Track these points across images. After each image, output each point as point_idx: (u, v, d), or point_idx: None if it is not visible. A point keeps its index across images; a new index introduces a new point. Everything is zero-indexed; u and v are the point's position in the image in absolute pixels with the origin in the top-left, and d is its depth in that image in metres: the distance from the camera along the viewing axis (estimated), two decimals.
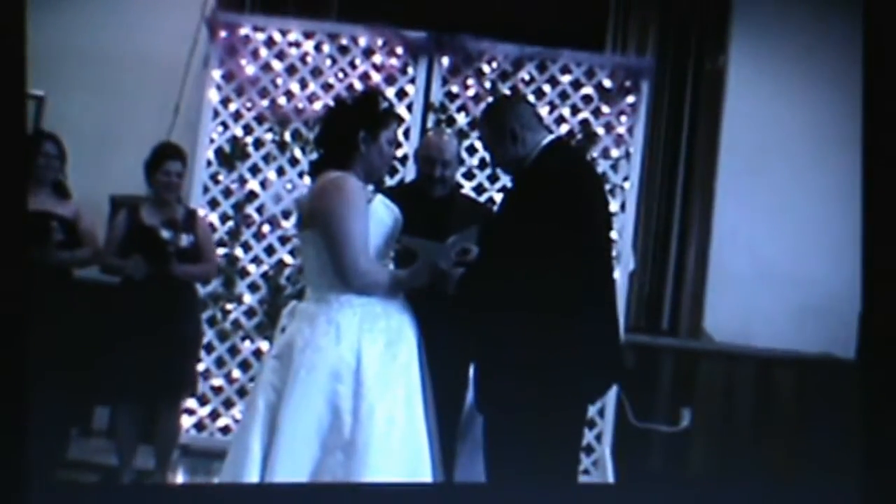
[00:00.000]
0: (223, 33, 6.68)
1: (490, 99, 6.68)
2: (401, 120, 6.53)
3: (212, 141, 6.67)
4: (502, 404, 3.71)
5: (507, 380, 3.63)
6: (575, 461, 3.98)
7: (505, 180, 6.68)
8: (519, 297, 3.59)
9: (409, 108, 6.74)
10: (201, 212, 6.04)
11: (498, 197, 6.69)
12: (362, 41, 6.76)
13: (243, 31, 6.71)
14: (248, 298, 6.64)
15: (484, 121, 3.99)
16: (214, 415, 6.54)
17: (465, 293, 3.75)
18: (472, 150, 6.74)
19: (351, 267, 3.50)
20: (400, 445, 3.47)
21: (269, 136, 6.71)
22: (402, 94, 6.76)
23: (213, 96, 6.68)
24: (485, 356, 3.81)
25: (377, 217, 3.62)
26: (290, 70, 6.75)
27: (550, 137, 3.88)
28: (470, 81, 6.80)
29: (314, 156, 3.85)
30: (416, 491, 3.46)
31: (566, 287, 3.61)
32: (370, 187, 3.86)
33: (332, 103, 6.34)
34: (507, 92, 6.73)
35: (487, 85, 6.79)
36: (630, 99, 6.78)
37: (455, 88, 6.80)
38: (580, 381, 3.69)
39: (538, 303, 3.58)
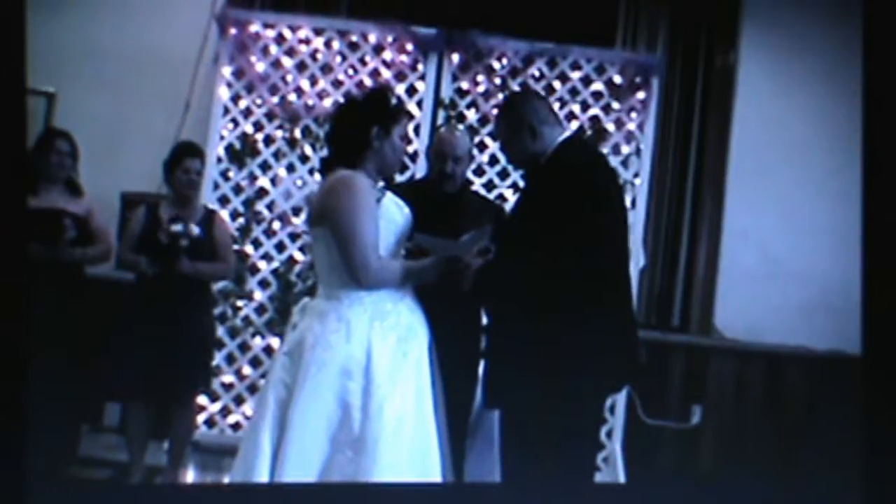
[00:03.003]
0: (233, 30, 6.69)
1: (500, 95, 6.70)
2: (410, 116, 6.54)
3: (222, 138, 6.68)
4: (515, 399, 3.71)
5: (522, 375, 3.63)
6: (591, 456, 3.96)
7: (515, 177, 6.69)
8: (537, 293, 3.59)
9: (419, 104, 6.74)
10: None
11: (508, 193, 6.70)
12: (372, 38, 6.76)
13: (253, 27, 6.72)
14: (259, 295, 6.65)
15: (501, 115, 3.97)
16: (225, 411, 6.55)
17: (484, 288, 3.75)
18: (482, 147, 6.74)
19: (362, 264, 3.51)
20: (409, 443, 3.47)
21: (279, 133, 6.72)
22: (412, 90, 6.77)
23: (224, 93, 6.68)
24: (500, 351, 3.80)
25: (388, 215, 3.62)
26: (300, 67, 6.76)
27: (567, 134, 3.88)
28: (480, 78, 6.80)
29: (324, 153, 3.85)
30: (426, 490, 3.47)
31: (586, 283, 3.61)
32: (380, 184, 3.86)
33: (342, 100, 6.36)
34: (517, 88, 6.72)
35: (497, 81, 6.79)
36: (640, 95, 6.77)
37: (465, 85, 6.80)
38: (596, 376, 3.69)
39: (556, 298, 3.58)
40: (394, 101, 3.84)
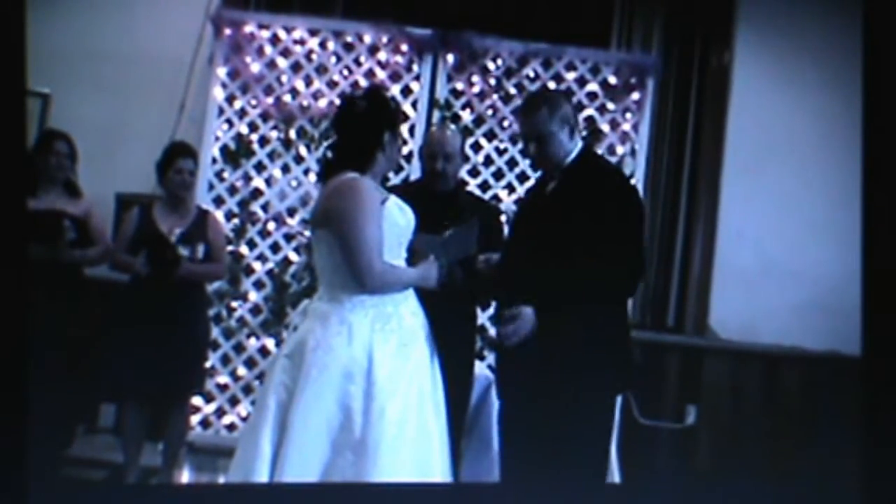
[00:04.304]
0: (228, 31, 6.69)
1: (495, 96, 6.72)
2: (405, 116, 6.57)
3: (217, 138, 6.69)
4: (520, 395, 3.72)
5: (529, 372, 3.64)
6: (599, 456, 3.92)
7: (510, 177, 6.71)
8: (563, 293, 3.62)
9: (415, 105, 6.75)
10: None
11: (503, 194, 6.70)
12: (367, 38, 6.77)
13: (248, 28, 6.72)
14: (254, 296, 6.64)
15: (545, 107, 3.85)
16: (220, 412, 6.55)
17: (507, 286, 3.76)
18: (476, 148, 6.75)
19: (367, 268, 3.49)
20: (411, 446, 3.46)
21: (274, 134, 6.72)
22: (407, 91, 6.77)
23: (219, 94, 6.69)
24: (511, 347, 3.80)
25: (391, 218, 3.61)
26: (295, 67, 6.76)
27: (583, 143, 3.93)
28: (475, 78, 6.80)
29: (328, 157, 3.81)
30: (423, 490, 3.46)
31: (612, 284, 3.70)
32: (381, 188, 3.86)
33: (337, 101, 6.37)
34: (512, 89, 6.75)
35: (492, 82, 6.79)
36: (635, 96, 6.78)
37: (460, 85, 6.80)
38: (604, 379, 3.71)
39: (581, 298, 3.64)
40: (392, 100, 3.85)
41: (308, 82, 6.76)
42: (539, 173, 4.29)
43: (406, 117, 6.59)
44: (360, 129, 3.70)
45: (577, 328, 3.60)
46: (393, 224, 3.62)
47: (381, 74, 6.75)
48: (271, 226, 6.68)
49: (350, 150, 3.70)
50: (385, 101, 3.78)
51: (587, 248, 3.63)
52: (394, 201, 3.68)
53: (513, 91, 6.78)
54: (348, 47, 6.78)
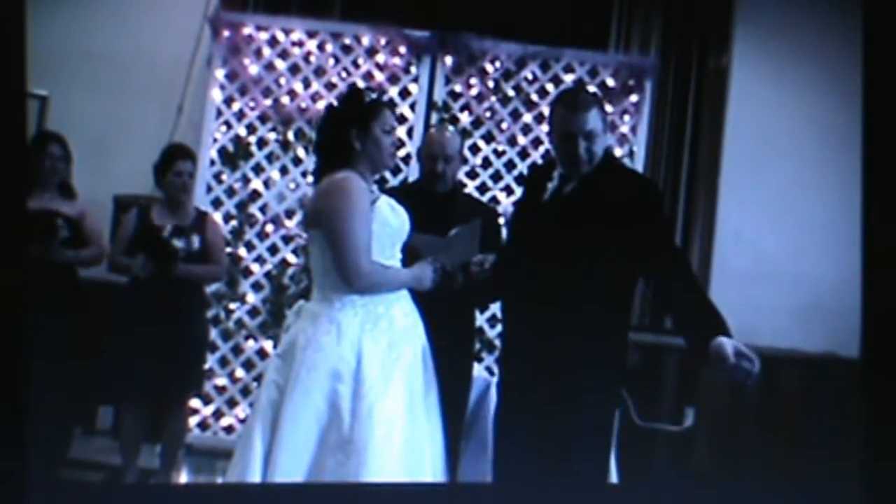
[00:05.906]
0: (226, 33, 6.69)
1: (493, 98, 6.73)
2: (392, 109, 6.52)
3: (215, 140, 6.69)
4: (523, 393, 3.71)
5: (533, 370, 3.62)
6: (600, 459, 3.91)
7: (508, 179, 6.71)
8: (582, 294, 3.57)
9: (413, 107, 6.76)
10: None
11: (502, 196, 6.70)
12: (365, 40, 6.77)
13: (246, 30, 6.72)
14: (252, 298, 6.64)
15: (595, 105, 3.72)
16: (218, 414, 6.55)
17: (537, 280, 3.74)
18: (475, 150, 6.75)
19: (353, 267, 3.49)
20: (400, 447, 3.45)
21: (272, 136, 6.72)
22: (405, 93, 6.78)
23: (217, 96, 6.69)
24: (516, 344, 3.79)
25: (381, 218, 3.60)
26: (294, 69, 6.77)
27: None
28: (473, 81, 6.80)
29: (315, 160, 3.84)
30: (417, 490, 3.46)
31: (629, 289, 3.71)
32: (374, 188, 3.84)
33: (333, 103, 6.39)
34: (510, 91, 6.76)
35: (490, 84, 6.80)
36: (633, 98, 6.78)
37: (458, 87, 6.81)
38: (607, 381, 3.71)
39: (601, 299, 3.58)
40: (369, 97, 3.79)
41: (306, 84, 6.76)
42: (531, 176, 4.19)
43: (392, 109, 6.58)
44: (328, 130, 3.72)
45: (582, 327, 3.58)
46: (384, 224, 3.60)
47: (380, 76, 6.76)
48: (269, 228, 6.68)
49: (325, 153, 3.72)
50: (349, 99, 3.77)
51: (629, 249, 3.59)
52: (385, 201, 3.67)
53: (511, 93, 6.79)
54: (346, 49, 6.79)
